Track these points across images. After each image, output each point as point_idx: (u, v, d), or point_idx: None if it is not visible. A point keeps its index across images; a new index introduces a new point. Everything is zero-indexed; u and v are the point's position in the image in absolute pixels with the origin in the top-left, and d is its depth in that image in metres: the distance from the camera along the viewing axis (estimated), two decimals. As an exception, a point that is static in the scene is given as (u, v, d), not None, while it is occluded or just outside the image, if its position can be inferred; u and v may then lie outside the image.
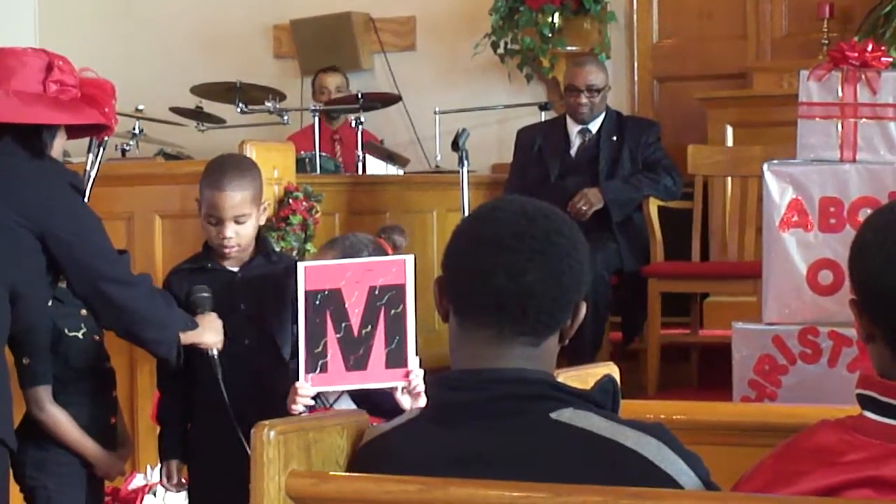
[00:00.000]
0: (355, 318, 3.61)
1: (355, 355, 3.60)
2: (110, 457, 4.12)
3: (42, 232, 3.60)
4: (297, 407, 3.62)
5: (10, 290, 3.60)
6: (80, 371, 4.07)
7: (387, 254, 3.92)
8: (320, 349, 3.63)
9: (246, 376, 4.01)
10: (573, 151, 6.92)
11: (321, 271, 3.68)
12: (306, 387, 3.64)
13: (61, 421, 4.04)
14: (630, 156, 6.83)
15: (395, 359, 3.58)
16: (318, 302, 3.63)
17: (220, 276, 4.08)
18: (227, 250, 4.05)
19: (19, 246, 3.58)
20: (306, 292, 3.65)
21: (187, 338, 3.88)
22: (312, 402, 3.68)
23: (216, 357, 3.96)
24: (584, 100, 6.83)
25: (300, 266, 3.71)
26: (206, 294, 4.01)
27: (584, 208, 6.64)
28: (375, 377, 3.61)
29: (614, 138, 6.86)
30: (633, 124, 7.03)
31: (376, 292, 3.59)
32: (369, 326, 3.60)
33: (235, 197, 4.01)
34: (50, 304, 4.03)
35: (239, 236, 4.03)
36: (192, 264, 4.15)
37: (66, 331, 4.05)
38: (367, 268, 3.64)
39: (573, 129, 6.93)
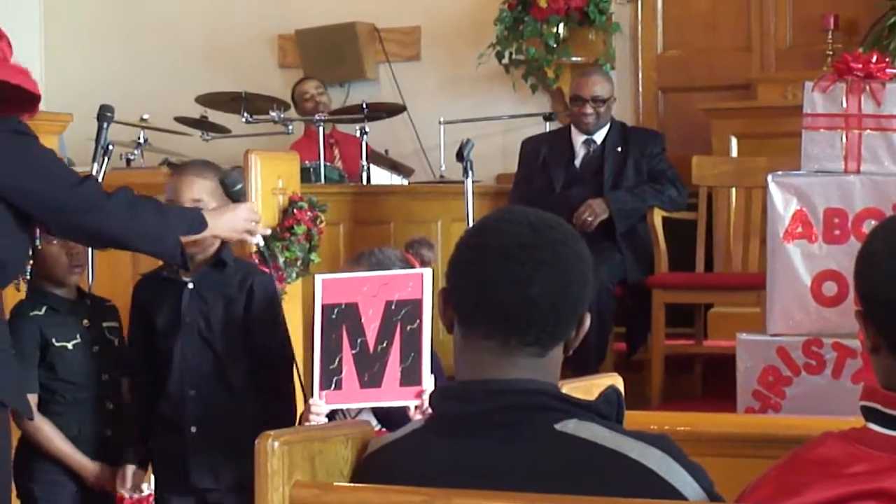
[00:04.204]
0: (371, 334, 3.56)
1: (370, 372, 3.56)
2: (101, 468, 4.09)
3: (4, 190, 3.46)
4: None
5: None
6: (68, 381, 4.05)
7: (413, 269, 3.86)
8: (335, 365, 3.59)
9: (189, 391, 3.97)
10: (578, 162, 6.91)
11: (338, 285, 3.63)
12: (320, 404, 3.61)
13: (44, 430, 4.02)
14: (635, 166, 6.82)
15: (410, 376, 3.53)
16: (334, 316, 3.59)
17: (173, 286, 4.02)
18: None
19: None
20: (323, 306, 3.61)
21: (193, 237, 3.78)
22: (326, 420, 3.62)
23: (262, 246, 3.97)
24: (589, 110, 6.83)
25: (318, 279, 3.68)
26: (238, 187, 3.99)
27: (589, 219, 6.63)
28: (389, 395, 3.56)
29: (619, 149, 6.85)
30: (637, 135, 7.02)
31: (393, 307, 3.54)
32: (385, 342, 3.55)
33: (194, 182, 3.97)
34: (42, 312, 4.02)
35: None
36: (153, 273, 4.12)
37: (54, 341, 4.03)
38: (384, 281, 3.59)
39: (578, 139, 6.92)
